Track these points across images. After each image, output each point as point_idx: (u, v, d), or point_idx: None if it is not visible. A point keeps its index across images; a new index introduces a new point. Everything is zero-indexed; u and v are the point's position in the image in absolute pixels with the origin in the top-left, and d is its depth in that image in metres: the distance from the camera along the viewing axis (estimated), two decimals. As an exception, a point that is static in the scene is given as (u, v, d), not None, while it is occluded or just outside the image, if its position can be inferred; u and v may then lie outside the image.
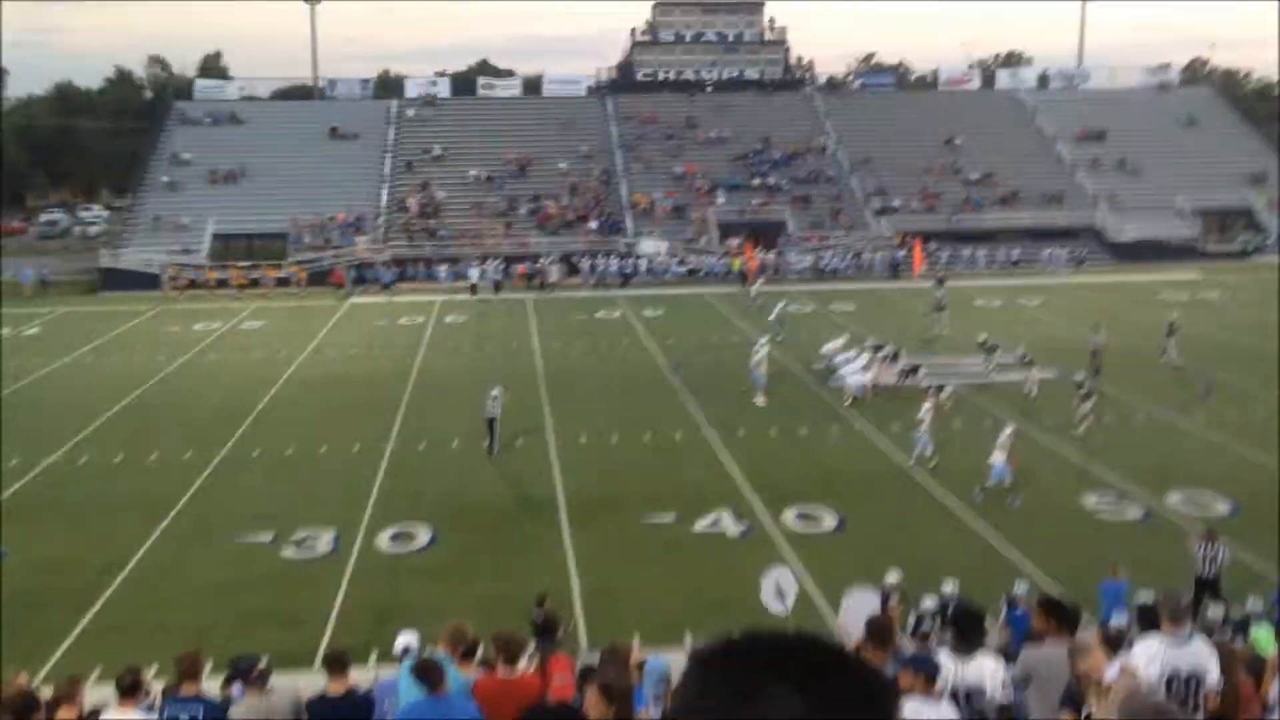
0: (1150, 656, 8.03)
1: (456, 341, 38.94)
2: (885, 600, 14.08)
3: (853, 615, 8.61)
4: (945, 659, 7.67)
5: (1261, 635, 11.45)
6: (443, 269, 53.75)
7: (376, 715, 8.91)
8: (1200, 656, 8.10)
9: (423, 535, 19.87)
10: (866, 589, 9.59)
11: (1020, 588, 14.27)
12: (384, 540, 19.69)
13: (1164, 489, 21.52)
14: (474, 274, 51.22)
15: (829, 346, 32.14)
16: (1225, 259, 56.45)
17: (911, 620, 13.66)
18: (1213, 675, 8.00)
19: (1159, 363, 32.09)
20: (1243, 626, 12.22)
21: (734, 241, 56.37)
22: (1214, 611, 12.91)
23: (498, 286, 50.75)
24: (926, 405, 23.84)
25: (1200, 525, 18.16)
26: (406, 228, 57.85)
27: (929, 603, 13.98)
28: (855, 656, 1.34)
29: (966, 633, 7.91)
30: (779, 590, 9.70)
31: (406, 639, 11.01)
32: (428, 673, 8.05)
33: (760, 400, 28.64)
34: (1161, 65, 76.70)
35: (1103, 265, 56.19)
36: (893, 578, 14.76)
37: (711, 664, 1.33)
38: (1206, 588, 15.53)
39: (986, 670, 7.53)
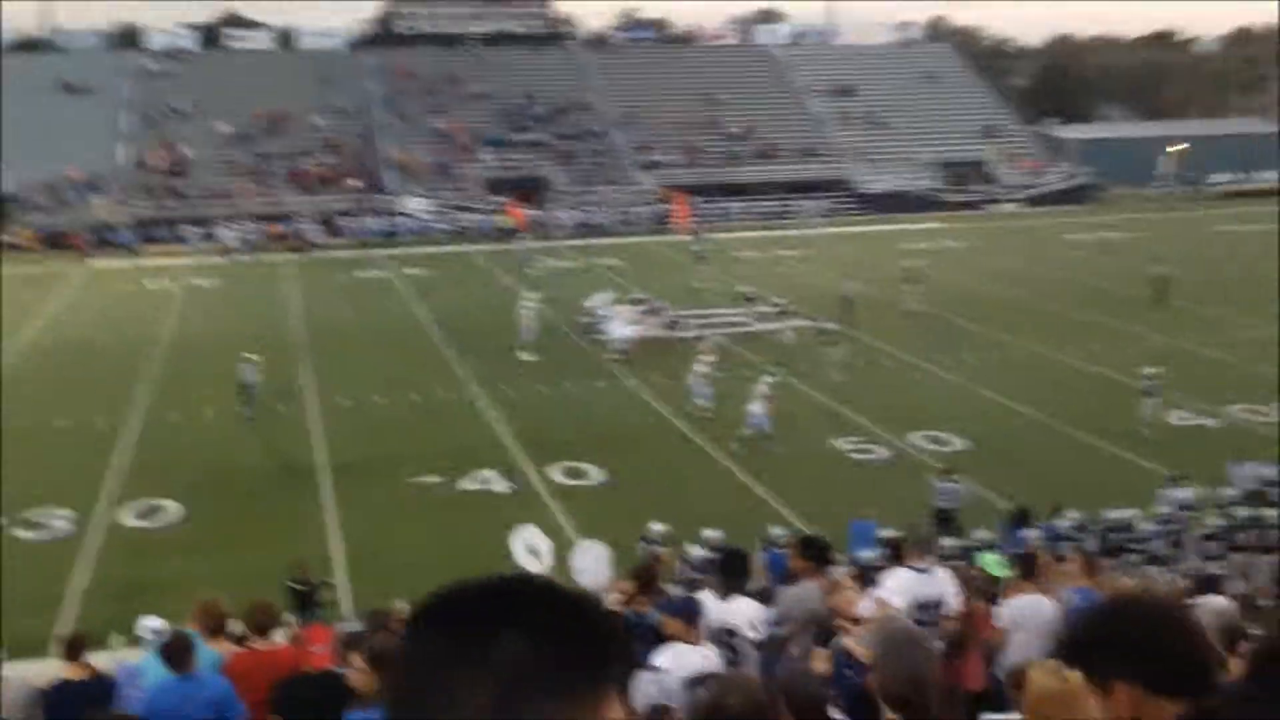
0: (897, 587, 8.43)
1: (209, 306, 37.23)
2: (652, 549, 14.39)
3: (583, 566, 8.66)
4: (707, 601, 7.81)
5: (990, 560, 12.21)
6: (191, 230, 51.11)
7: (120, 699, 8.42)
8: (941, 584, 8.56)
9: (173, 509, 18.93)
10: (592, 542, 9.65)
11: (776, 530, 14.76)
12: (129, 516, 18.69)
13: (908, 429, 22.69)
14: (226, 235, 48.99)
15: (595, 301, 32.35)
16: (963, 209, 59.76)
17: (680, 567, 13.99)
18: (952, 601, 8.47)
19: (902, 309, 33.72)
20: (973, 554, 13.03)
21: (499, 199, 55.91)
22: (950, 542, 13.71)
23: (252, 248, 48.71)
24: (706, 358, 24.34)
25: (940, 463, 19.29)
26: (151, 187, 54.71)
27: (698, 550, 14.37)
28: (580, 595, 1.30)
29: (730, 575, 8.08)
30: (531, 549, 9.69)
31: (152, 622, 10.47)
32: (174, 650, 7.66)
33: (527, 357, 28.59)
34: (905, 22, 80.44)
35: (853, 216, 58.55)
36: (658, 527, 15.07)
37: (434, 615, 1.28)
38: (945, 520, 16.52)
39: (744, 610, 7.71)
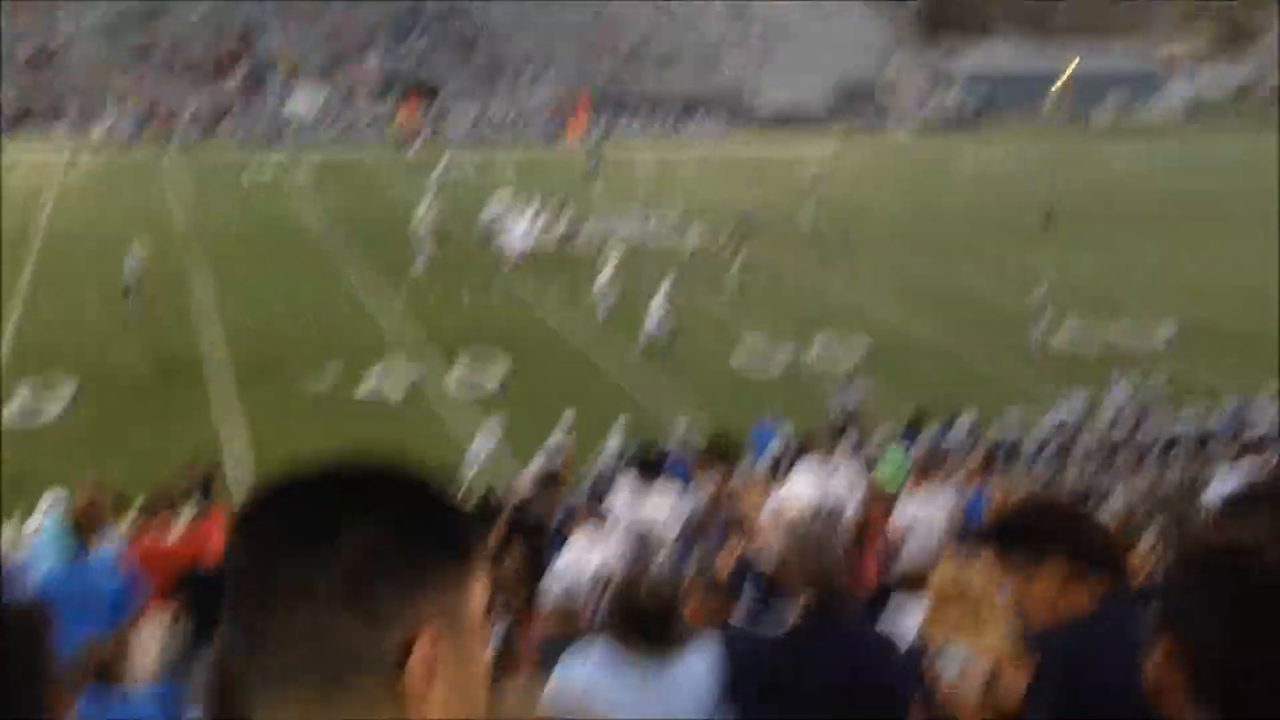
0: (802, 490, 8.62)
1: (87, 198, 35.75)
2: (560, 454, 14.50)
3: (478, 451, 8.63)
4: (624, 498, 7.87)
5: (889, 470, 12.57)
6: (66, 120, 48.87)
7: (6, 595, 8.16)
8: (843, 489, 8.78)
9: (57, 403, 18.37)
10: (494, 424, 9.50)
11: (675, 434, 14.87)
12: (11, 410, 18.06)
13: (807, 340, 23.03)
14: (101, 126, 46.96)
15: (490, 208, 31.93)
16: (857, 130, 60.23)
17: (595, 468, 14.15)
18: (853, 500, 8.71)
19: (798, 224, 33.98)
20: (872, 459, 13.37)
21: (389, 100, 54.56)
22: (848, 449, 14.02)
23: (129, 140, 46.81)
24: (607, 268, 24.23)
25: (837, 374, 19.67)
26: (20, 73, 52.05)
27: (610, 449, 14.56)
28: (428, 477, 1.23)
29: (646, 473, 8.14)
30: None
31: (49, 504, 10.18)
32: (82, 528, 7.45)
33: (422, 262, 28.16)
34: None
35: (750, 132, 58.64)
36: (562, 431, 15.14)
37: (274, 506, 1.19)
38: (843, 426, 16.87)
39: (660, 506, 7.79)
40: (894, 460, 12.29)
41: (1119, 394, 17.68)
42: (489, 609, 1.23)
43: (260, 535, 1.18)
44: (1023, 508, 2.84)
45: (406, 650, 1.15)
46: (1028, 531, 2.71)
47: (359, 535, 1.15)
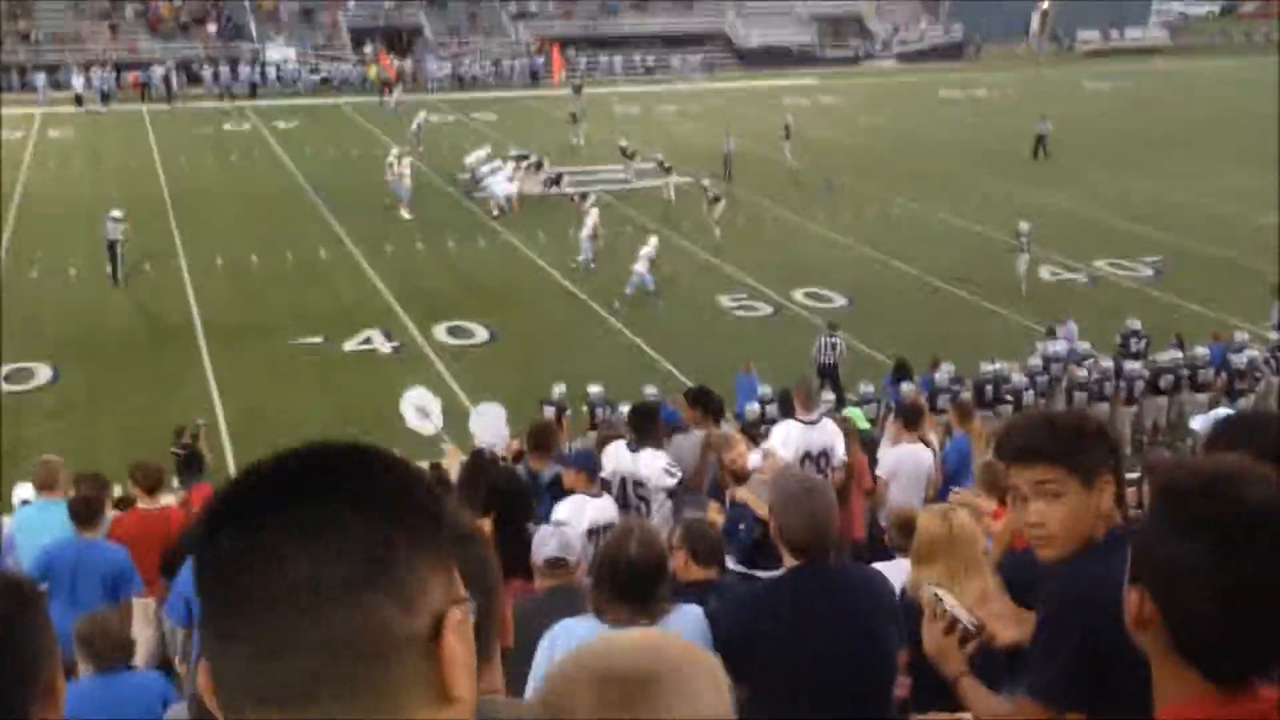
0: (786, 438, 8.64)
1: (65, 159, 35.33)
2: (560, 411, 14.58)
3: (480, 428, 8.62)
4: (618, 453, 7.89)
5: (856, 412, 12.63)
6: (40, 77, 48.14)
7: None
8: (828, 435, 8.79)
9: (43, 372, 18.32)
10: (492, 404, 9.43)
11: (650, 389, 14.87)
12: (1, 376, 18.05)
13: (789, 286, 23.00)
14: (78, 83, 46.29)
15: (472, 157, 31.71)
16: (839, 64, 59.69)
17: (588, 420, 14.27)
18: (839, 451, 8.73)
19: (781, 166, 33.76)
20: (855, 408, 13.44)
21: (368, 48, 53.88)
22: (829, 395, 14.08)
23: (106, 97, 46.18)
24: (591, 215, 24.09)
25: (821, 319, 19.68)
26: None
27: (600, 399, 14.66)
28: (403, 463, 1.18)
29: (642, 428, 8.16)
30: (422, 411, 9.59)
31: (26, 490, 10.17)
32: (82, 509, 7.47)
33: (405, 214, 28.02)
34: None
35: (731, 71, 58.07)
36: (559, 389, 15.24)
37: (256, 507, 1.10)
38: (827, 375, 16.92)
39: (652, 461, 7.83)
40: (854, 417, 12.34)
41: (1067, 333, 17.70)
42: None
43: (253, 533, 1.08)
44: (1084, 424, 2.85)
45: (435, 629, 1.11)
46: (1093, 446, 2.73)
47: (364, 518, 1.09)
